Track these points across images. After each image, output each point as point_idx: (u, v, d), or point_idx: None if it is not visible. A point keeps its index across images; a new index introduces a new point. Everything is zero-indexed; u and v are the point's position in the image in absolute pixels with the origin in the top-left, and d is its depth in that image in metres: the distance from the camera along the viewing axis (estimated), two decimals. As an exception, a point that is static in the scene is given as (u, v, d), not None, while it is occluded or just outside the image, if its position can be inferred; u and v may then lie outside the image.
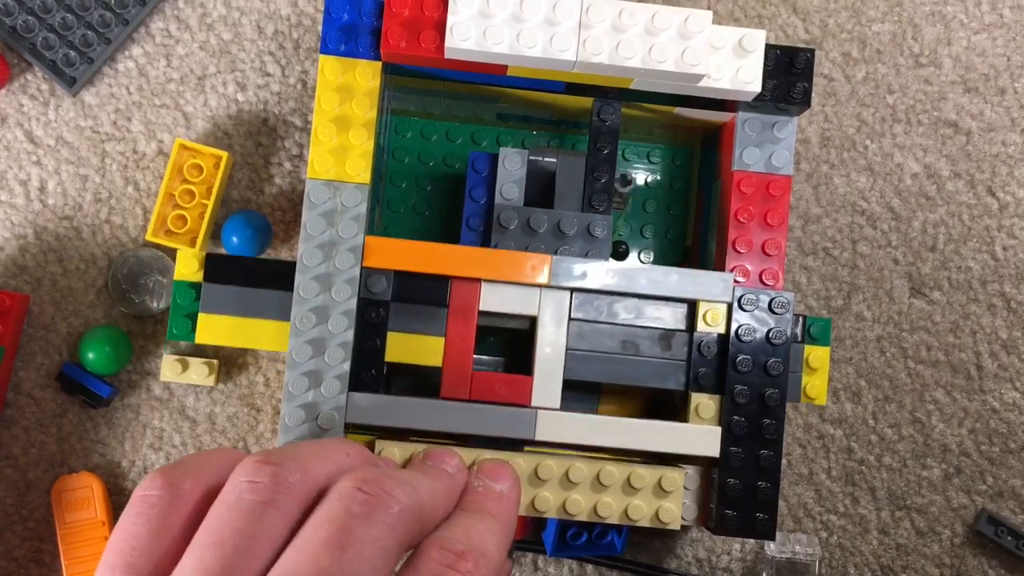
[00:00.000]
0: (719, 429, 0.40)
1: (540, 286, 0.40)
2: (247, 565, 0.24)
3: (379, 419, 0.38)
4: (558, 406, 0.39)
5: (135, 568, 0.25)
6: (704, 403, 0.40)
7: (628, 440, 0.39)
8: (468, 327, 0.40)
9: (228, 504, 0.25)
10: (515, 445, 0.39)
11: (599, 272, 0.39)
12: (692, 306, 0.40)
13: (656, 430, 0.39)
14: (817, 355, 0.42)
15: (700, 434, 0.40)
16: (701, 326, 0.40)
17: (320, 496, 0.26)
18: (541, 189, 0.42)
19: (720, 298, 0.40)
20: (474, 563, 0.26)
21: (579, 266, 0.39)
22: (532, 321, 0.40)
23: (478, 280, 0.39)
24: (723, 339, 0.40)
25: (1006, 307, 0.50)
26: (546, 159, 0.41)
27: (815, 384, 0.42)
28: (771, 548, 0.47)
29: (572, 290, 0.40)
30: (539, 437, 0.39)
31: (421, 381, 0.42)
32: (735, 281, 0.40)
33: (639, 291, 0.40)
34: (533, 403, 0.39)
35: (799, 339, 0.42)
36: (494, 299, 0.40)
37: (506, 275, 0.39)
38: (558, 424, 0.39)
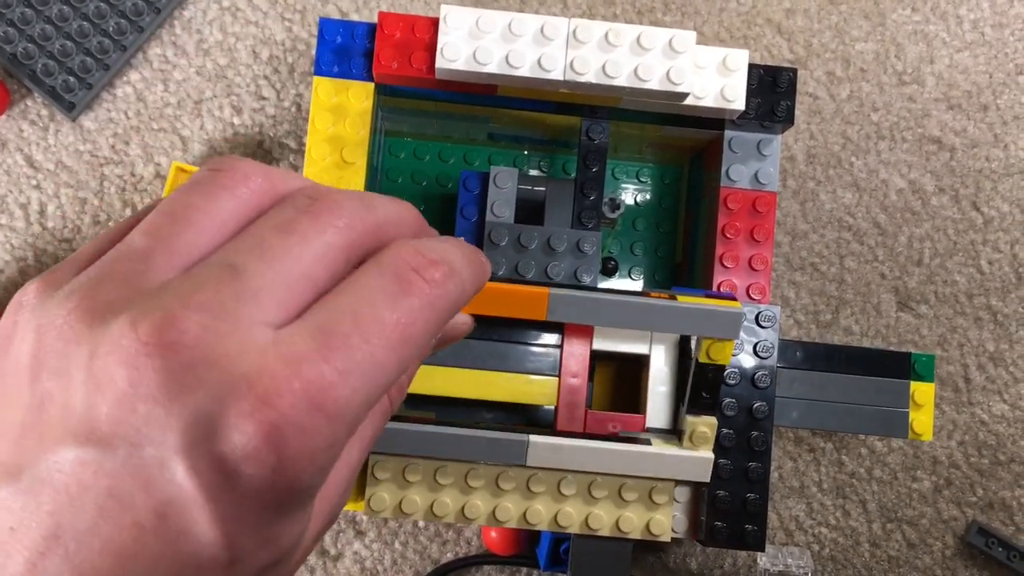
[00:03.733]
0: (711, 456, 0.39)
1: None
2: (192, 236, 0.22)
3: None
4: (666, 442, 0.40)
5: (113, 239, 0.23)
6: (699, 430, 0.39)
7: (619, 466, 0.39)
8: (581, 367, 0.40)
9: (186, 185, 0.24)
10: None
11: (594, 306, 0.37)
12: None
13: (647, 457, 0.39)
14: (922, 391, 0.42)
15: (692, 461, 0.39)
16: (703, 359, 0.38)
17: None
18: (531, 213, 0.43)
19: (727, 335, 0.37)
20: (444, 274, 0.23)
21: (577, 302, 0.36)
22: (643, 359, 0.41)
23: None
24: (723, 370, 0.39)
25: (992, 320, 0.50)
26: (535, 188, 0.42)
27: (921, 420, 0.42)
28: (763, 561, 0.48)
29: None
30: (531, 463, 0.39)
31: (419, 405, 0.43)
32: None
33: (637, 327, 0.38)
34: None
35: (793, 363, 0.43)
36: (607, 339, 0.41)
37: (502, 310, 0.37)
38: (549, 451, 0.39)
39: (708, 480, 0.39)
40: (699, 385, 0.39)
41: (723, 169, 0.42)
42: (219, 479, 0.20)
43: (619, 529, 0.40)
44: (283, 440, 0.20)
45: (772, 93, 0.41)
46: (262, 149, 0.49)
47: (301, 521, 0.22)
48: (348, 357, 0.21)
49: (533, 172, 0.48)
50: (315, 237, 0.22)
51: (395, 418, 0.41)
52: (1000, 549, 0.48)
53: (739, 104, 0.40)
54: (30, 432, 0.20)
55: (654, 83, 0.38)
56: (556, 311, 0.36)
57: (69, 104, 0.48)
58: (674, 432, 0.41)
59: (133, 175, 0.49)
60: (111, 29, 0.48)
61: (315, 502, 0.23)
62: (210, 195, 0.23)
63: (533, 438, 0.38)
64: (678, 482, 0.40)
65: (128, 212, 0.49)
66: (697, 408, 0.39)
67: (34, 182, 0.49)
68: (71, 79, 0.48)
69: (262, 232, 0.23)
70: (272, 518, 0.21)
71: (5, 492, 0.20)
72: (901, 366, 0.42)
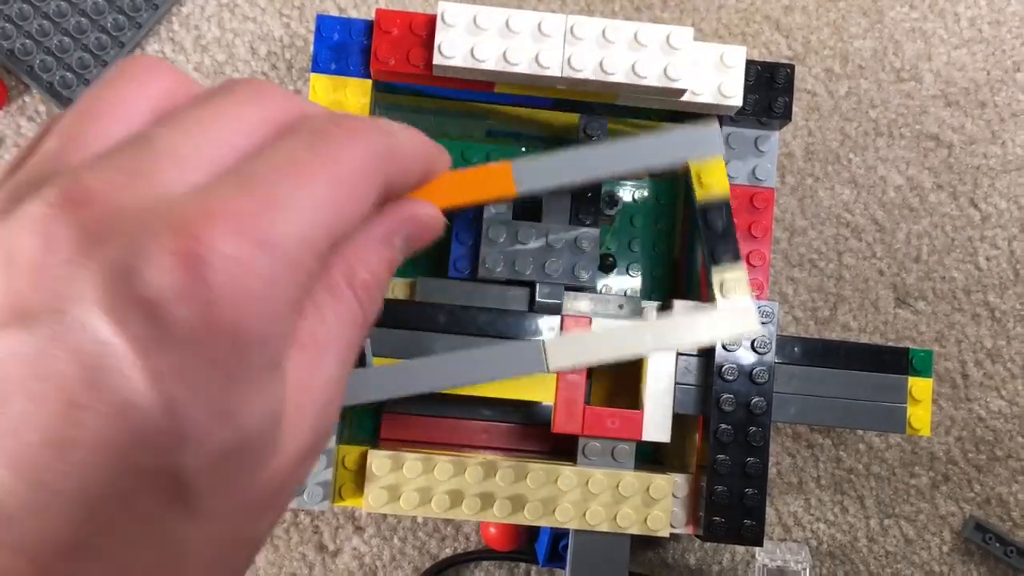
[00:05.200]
0: (753, 303, 0.36)
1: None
2: (104, 128, 0.20)
3: (366, 394, 0.35)
4: (668, 440, 0.40)
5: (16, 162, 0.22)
6: (730, 277, 0.37)
7: (655, 344, 0.34)
8: None
9: (94, 83, 0.22)
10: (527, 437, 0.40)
11: (563, 166, 0.32)
12: (684, 179, 0.40)
13: (680, 325, 0.35)
14: (920, 386, 0.42)
15: (733, 314, 0.35)
16: (701, 193, 0.39)
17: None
18: (529, 209, 0.43)
19: (712, 152, 0.34)
20: (365, 125, 0.22)
21: (543, 165, 0.32)
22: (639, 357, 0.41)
23: (588, 318, 0.40)
24: (728, 205, 0.39)
25: (990, 316, 0.50)
26: None
27: (919, 415, 0.42)
28: (762, 557, 0.48)
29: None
30: (553, 368, 0.34)
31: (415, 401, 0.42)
32: (720, 291, 0.41)
33: (618, 173, 0.34)
34: (644, 437, 0.40)
35: (789, 359, 0.43)
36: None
37: (468, 196, 0.31)
38: (569, 348, 0.34)
39: (758, 328, 0.36)
40: (712, 232, 0.35)
41: (721, 165, 0.42)
42: (146, 326, 0.17)
43: (617, 524, 0.40)
44: (210, 270, 0.18)
45: (770, 89, 0.41)
46: (260, 145, 0.49)
47: (266, 392, 0.19)
48: (272, 192, 0.19)
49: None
50: (233, 108, 0.21)
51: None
52: (997, 545, 0.49)
53: (736, 100, 0.40)
54: None
55: (651, 79, 0.38)
56: (524, 181, 0.31)
57: (67, 100, 0.48)
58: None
59: (131, 171, 0.49)
60: (109, 25, 0.49)
61: (288, 381, 0.20)
62: (116, 87, 0.21)
63: (548, 342, 0.34)
64: (676, 473, 0.41)
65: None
66: (718, 260, 0.36)
67: (32, 178, 0.49)
68: (69, 75, 0.48)
69: (177, 112, 0.21)
70: (222, 379, 0.18)
71: None
72: (899, 362, 0.42)
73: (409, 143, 0.24)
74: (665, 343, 0.34)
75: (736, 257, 0.36)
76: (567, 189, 0.34)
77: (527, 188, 0.31)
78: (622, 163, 0.32)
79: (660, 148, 0.32)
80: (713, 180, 0.37)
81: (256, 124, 0.21)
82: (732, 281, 0.36)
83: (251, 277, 0.18)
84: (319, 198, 0.20)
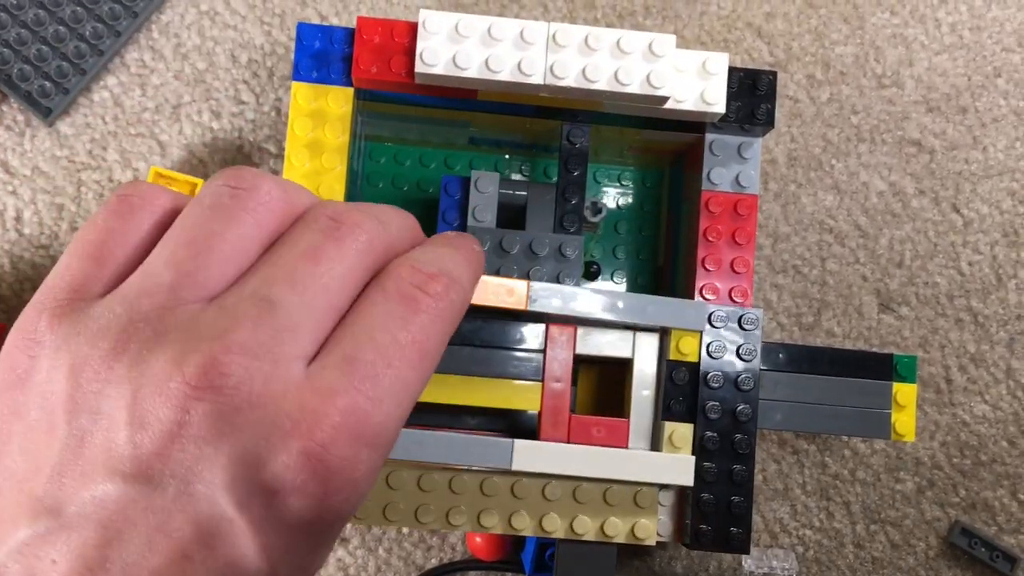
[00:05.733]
0: (692, 458, 0.39)
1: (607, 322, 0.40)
2: (218, 267, 0.23)
3: None
4: (649, 447, 0.40)
5: (102, 258, 0.23)
6: (678, 432, 0.40)
7: (603, 470, 0.39)
8: (564, 372, 0.40)
9: (204, 205, 0.23)
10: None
11: (572, 298, 0.39)
12: (665, 334, 0.41)
13: (631, 459, 0.39)
14: (904, 392, 0.42)
15: (674, 463, 0.39)
16: (674, 355, 0.40)
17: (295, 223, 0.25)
18: (512, 217, 0.43)
19: (694, 327, 0.40)
20: (444, 286, 0.24)
21: (556, 293, 0.39)
22: (626, 363, 0.41)
23: (573, 325, 0.40)
24: (695, 368, 0.40)
25: (973, 321, 0.50)
26: (517, 192, 0.42)
27: (903, 420, 0.42)
28: (748, 563, 0.48)
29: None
30: (516, 467, 0.38)
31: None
32: (704, 298, 0.41)
33: (613, 319, 0.39)
34: (629, 445, 0.40)
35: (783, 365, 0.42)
36: (590, 343, 0.40)
37: (485, 300, 0.38)
38: (534, 454, 0.39)
39: (691, 483, 0.39)
40: (672, 390, 0.40)
41: (704, 172, 0.42)
42: (268, 512, 0.21)
43: (604, 533, 0.39)
44: (328, 472, 0.21)
45: (752, 96, 0.41)
46: (242, 154, 0.49)
47: (330, 548, 0.24)
48: (377, 384, 0.22)
49: (514, 176, 0.48)
50: (340, 263, 0.23)
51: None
52: (983, 549, 0.49)
53: (719, 107, 0.40)
54: (69, 469, 0.21)
55: (634, 87, 0.38)
56: (536, 301, 0.38)
57: (46, 109, 0.48)
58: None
59: (111, 180, 0.49)
60: (88, 33, 0.48)
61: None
62: (232, 220, 0.23)
63: (518, 442, 0.38)
64: (663, 486, 0.40)
65: (106, 218, 0.48)
66: (672, 415, 0.40)
67: (10, 188, 0.48)
68: (47, 84, 0.48)
69: (291, 260, 0.23)
70: (312, 547, 0.22)
71: (45, 527, 0.20)
72: (883, 367, 0.42)
73: (471, 291, 0.26)
74: (614, 473, 0.39)
75: (689, 419, 0.40)
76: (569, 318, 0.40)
77: (536, 307, 0.38)
78: (622, 314, 0.39)
79: (654, 310, 0.40)
80: (688, 350, 0.40)
81: (359, 278, 0.24)
82: (680, 437, 0.40)
83: (358, 471, 0.22)
84: (412, 384, 0.23)
